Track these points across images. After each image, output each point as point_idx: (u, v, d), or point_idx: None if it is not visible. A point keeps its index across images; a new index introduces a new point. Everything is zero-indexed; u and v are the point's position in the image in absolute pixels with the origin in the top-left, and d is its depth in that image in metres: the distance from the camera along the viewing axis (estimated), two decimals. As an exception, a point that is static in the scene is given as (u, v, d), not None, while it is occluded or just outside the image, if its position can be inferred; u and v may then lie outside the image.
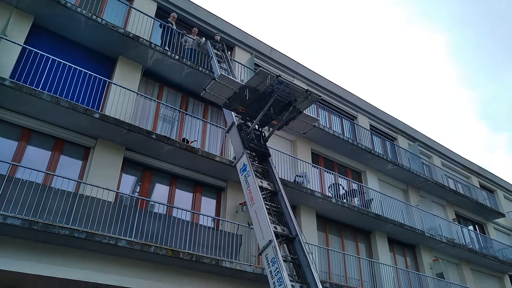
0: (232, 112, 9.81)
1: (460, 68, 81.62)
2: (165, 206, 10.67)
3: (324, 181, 15.54)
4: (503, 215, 22.92)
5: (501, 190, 25.98)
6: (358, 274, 14.39)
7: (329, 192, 15.24)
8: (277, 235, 7.16)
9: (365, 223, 15.31)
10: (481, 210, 21.67)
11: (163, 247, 9.11)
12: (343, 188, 15.70)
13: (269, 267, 6.61)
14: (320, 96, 9.26)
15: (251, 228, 10.74)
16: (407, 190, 18.84)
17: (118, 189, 10.25)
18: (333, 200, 13.89)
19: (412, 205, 17.79)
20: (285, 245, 7.48)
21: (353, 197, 15.81)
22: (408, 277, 15.89)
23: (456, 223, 19.86)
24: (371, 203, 15.91)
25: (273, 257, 6.59)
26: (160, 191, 11.40)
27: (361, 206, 15.31)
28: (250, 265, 10.30)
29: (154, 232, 9.48)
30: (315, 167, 14.94)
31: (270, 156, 9.18)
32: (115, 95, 10.91)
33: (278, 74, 7.83)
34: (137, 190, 11.09)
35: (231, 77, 8.68)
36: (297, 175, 13.83)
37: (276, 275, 6.37)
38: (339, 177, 15.85)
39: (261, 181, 8.21)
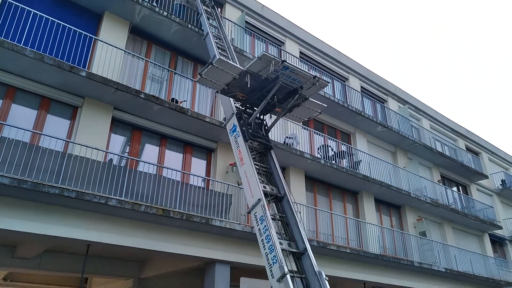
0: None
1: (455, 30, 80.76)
2: (155, 166, 10.69)
3: (314, 142, 15.64)
4: (486, 177, 23.55)
5: (486, 153, 26.54)
6: (344, 233, 14.85)
7: (318, 153, 15.38)
8: (266, 194, 7.25)
9: (353, 184, 15.61)
10: (465, 172, 22.22)
11: (154, 206, 9.21)
12: (332, 150, 15.85)
13: (258, 225, 6.75)
14: (329, 83, 8.49)
15: (241, 188, 10.88)
16: (395, 152, 19.12)
17: (107, 149, 10.20)
18: (322, 161, 14.06)
19: (399, 167, 18.12)
20: (273, 204, 7.61)
21: (342, 159, 16.01)
22: (392, 236, 16.46)
23: (441, 184, 20.39)
24: (359, 164, 16.15)
25: (262, 215, 6.72)
26: (150, 151, 11.38)
27: (350, 167, 15.55)
28: (239, 224, 10.52)
29: (145, 191, 9.54)
30: (305, 128, 14.98)
31: (273, 148, 8.47)
32: (102, 52, 10.60)
33: (283, 59, 7.16)
34: (127, 150, 11.05)
35: (231, 62, 7.80)
36: (287, 137, 13.88)
37: (264, 233, 6.52)
38: (329, 138, 15.95)
39: (250, 142, 8.21)
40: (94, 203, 8.42)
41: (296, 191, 13.29)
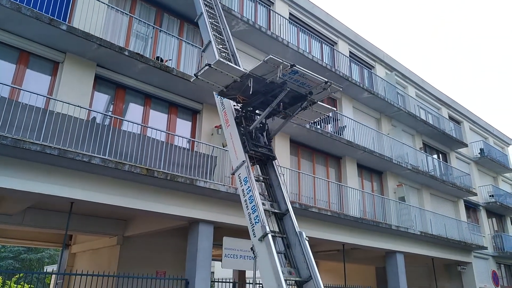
0: (208, 24, 9.26)
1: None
2: (140, 126, 10.57)
3: (300, 107, 15.60)
4: (466, 145, 24.15)
5: (467, 122, 27.05)
6: (326, 197, 15.20)
7: (304, 118, 15.40)
8: (250, 157, 7.29)
9: (336, 149, 15.81)
10: (446, 140, 22.70)
11: (138, 165, 9.19)
12: (318, 115, 15.87)
13: (242, 186, 6.83)
14: (342, 88, 7.67)
15: (226, 150, 10.91)
16: (380, 118, 19.31)
17: (90, 107, 10.00)
18: (307, 126, 14.12)
19: (383, 134, 18.37)
20: (257, 166, 7.68)
21: (327, 124, 16.11)
22: (373, 200, 16.94)
23: (422, 151, 20.83)
24: (344, 130, 16.30)
25: (246, 177, 6.79)
26: (134, 111, 11.22)
27: (334, 133, 15.69)
28: (224, 185, 10.63)
29: (129, 151, 9.48)
30: (292, 92, 14.88)
31: (276, 159, 7.60)
32: (84, 6, 10.15)
33: (292, 63, 6.44)
34: (110, 109, 10.86)
35: (231, 64, 6.96)
36: (273, 100, 13.80)
37: (247, 193, 6.62)
38: (315, 103, 15.92)
39: (235, 104, 8.13)
40: (77, 161, 8.35)
41: (281, 155, 13.40)
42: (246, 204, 6.63)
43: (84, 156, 8.39)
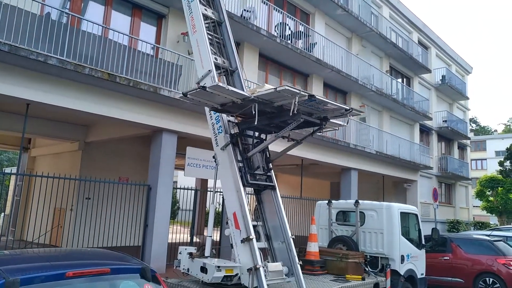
0: None
1: None
2: (100, 27, 9.88)
3: (272, 19, 15.05)
4: (429, 71, 24.71)
5: (435, 48, 27.34)
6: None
7: (275, 31, 14.95)
8: (217, 66, 7.09)
9: (305, 66, 15.71)
10: (412, 64, 23.05)
11: (99, 69, 8.79)
12: (289, 29, 15.44)
13: (207, 97, 6.75)
14: (364, 112, 6.26)
15: (192, 59, 10.55)
16: (351, 38, 19.08)
17: (43, 1, 9.13)
18: (278, 40, 13.76)
19: (352, 54, 18.30)
20: (224, 77, 7.53)
21: (298, 39, 15.76)
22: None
23: (388, 74, 21.16)
24: (314, 46, 16.06)
25: (211, 87, 6.69)
26: (94, 10, 10.40)
27: (304, 49, 15.44)
28: (189, 95, 10.47)
29: (89, 53, 8.96)
30: (264, 3, 14.20)
31: (276, 189, 6.39)
32: None
33: (311, 94, 5.35)
34: (67, 6, 9.99)
35: (231, 88, 5.60)
36: (244, 10, 13.15)
37: (212, 104, 6.58)
38: (288, 17, 15.38)
39: (205, 9, 7.66)
40: (32, 60, 7.84)
41: (249, 69, 13.18)
42: (210, 115, 6.63)
43: (39, 55, 7.87)
